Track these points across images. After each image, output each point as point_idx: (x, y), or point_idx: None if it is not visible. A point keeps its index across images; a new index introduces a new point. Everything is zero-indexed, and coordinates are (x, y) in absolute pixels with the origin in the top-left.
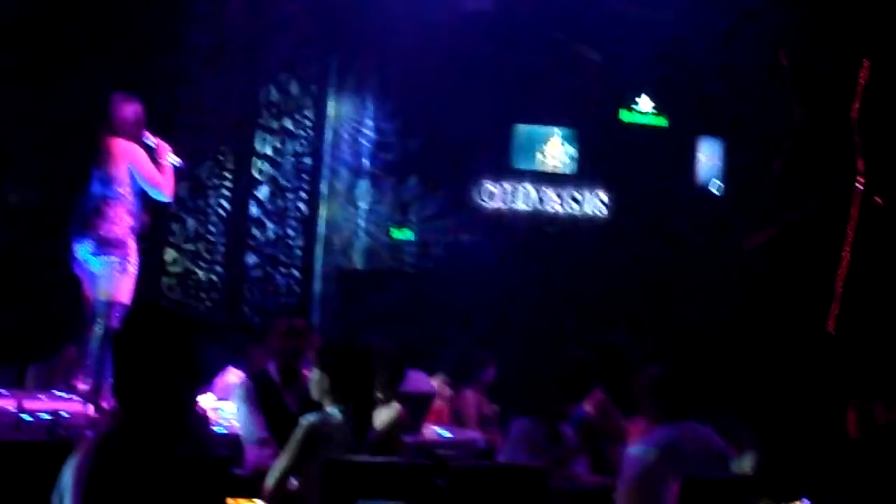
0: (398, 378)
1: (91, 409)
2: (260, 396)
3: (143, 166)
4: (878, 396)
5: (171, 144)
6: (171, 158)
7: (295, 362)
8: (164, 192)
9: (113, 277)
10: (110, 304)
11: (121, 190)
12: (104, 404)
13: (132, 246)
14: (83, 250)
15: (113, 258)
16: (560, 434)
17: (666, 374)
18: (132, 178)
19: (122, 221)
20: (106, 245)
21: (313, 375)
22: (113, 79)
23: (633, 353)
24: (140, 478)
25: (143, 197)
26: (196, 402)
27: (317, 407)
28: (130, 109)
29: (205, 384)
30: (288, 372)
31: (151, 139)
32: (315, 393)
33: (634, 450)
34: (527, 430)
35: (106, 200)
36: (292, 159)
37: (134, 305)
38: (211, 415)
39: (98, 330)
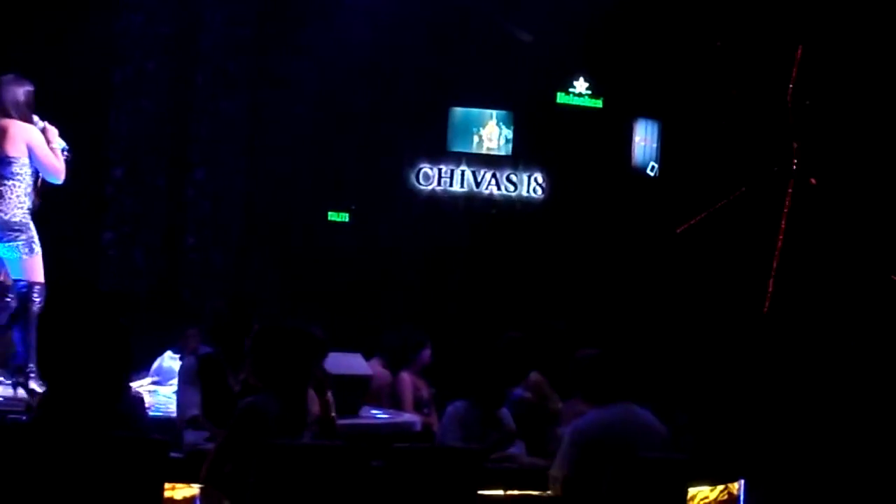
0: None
1: (21, 392)
2: (203, 378)
3: (40, 148)
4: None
5: (106, 128)
6: (58, 141)
7: (239, 344)
8: (58, 175)
9: (22, 260)
10: (27, 287)
11: (19, 171)
12: (33, 386)
13: (33, 226)
14: None
15: (18, 242)
16: (497, 418)
17: (602, 355)
18: (29, 159)
19: (22, 203)
20: (8, 229)
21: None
22: (45, 60)
23: (569, 335)
24: (71, 459)
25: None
26: (127, 383)
27: (257, 390)
28: (21, 90)
29: (142, 367)
30: (236, 354)
31: (39, 122)
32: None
33: (571, 431)
34: (461, 413)
35: (4, 182)
36: (229, 141)
37: (59, 285)
38: (147, 398)
39: (15, 313)
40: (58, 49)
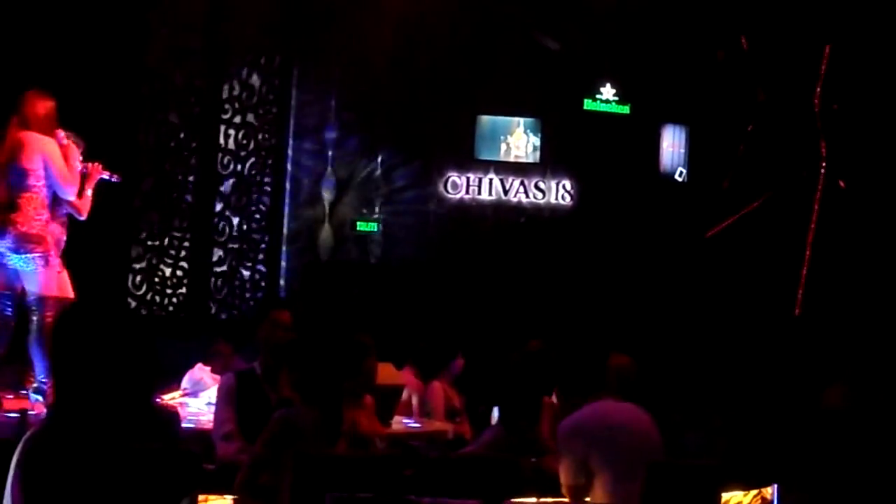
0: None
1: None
2: (241, 392)
3: (54, 161)
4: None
5: (134, 140)
6: (76, 159)
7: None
8: (68, 190)
9: (38, 273)
10: (41, 300)
11: (35, 183)
12: (47, 400)
13: (52, 239)
14: (3, 246)
15: (34, 254)
16: (532, 438)
17: (576, 354)
18: (46, 171)
19: (39, 215)
20: (25, 241)
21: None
22: (72, 73)
23: (602, 344)
24: (78, 471)
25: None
26: (148, 396)
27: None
28: (42, 105)
29: (172, 380)
30: (276, 366)
31: (64, 138)
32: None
33: (558, 439)
34: (494, 438)
35: (21, 195)
36: (255, 153)
37: (72, 301)
38: (180, 410)
39: (32, 326)
40: (85, 62)
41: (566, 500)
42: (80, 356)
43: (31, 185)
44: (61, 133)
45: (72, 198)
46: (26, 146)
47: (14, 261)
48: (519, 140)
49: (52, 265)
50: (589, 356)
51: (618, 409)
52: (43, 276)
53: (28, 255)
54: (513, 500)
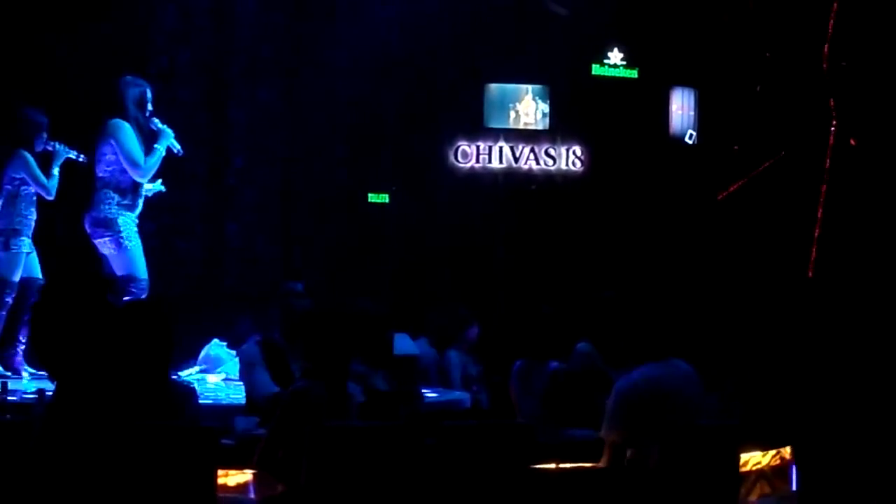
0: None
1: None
2: (266, 360)
3: (123, 145)
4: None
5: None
6: (165, 144)
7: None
8: (141, 173)
9: (113, 257)
10: (123, 280)
11: (107, 168)
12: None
13: (124, 222)
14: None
15: (106, 237)
16: None
17: (643, 314)
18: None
19: (110, 199)
20: (96, 225)
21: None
22: (79, 52)
23: (618, 305)
24: (119, 449)
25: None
26: (164, 373)
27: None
28: (134, 91)
29: (189, 356)
30: (295, 337)
31: (158, 124)
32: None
33: (615, 392)
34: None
35: (95, 180)
36: (267, 127)
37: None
38: (196, 387)
39: None
40: (91, 41)
41: (586, 465)
42: (61, 333)
43: (104, 171)
44: (154, 119)
45: (142, 181)
46: (103, 134)
47: (98, 244)
48: (528, 107)
49: (125, 248)
50: (641, 319)
51: (672, 372)
52: (118, 260)
53: (101, 240)
54: (532, 466)
